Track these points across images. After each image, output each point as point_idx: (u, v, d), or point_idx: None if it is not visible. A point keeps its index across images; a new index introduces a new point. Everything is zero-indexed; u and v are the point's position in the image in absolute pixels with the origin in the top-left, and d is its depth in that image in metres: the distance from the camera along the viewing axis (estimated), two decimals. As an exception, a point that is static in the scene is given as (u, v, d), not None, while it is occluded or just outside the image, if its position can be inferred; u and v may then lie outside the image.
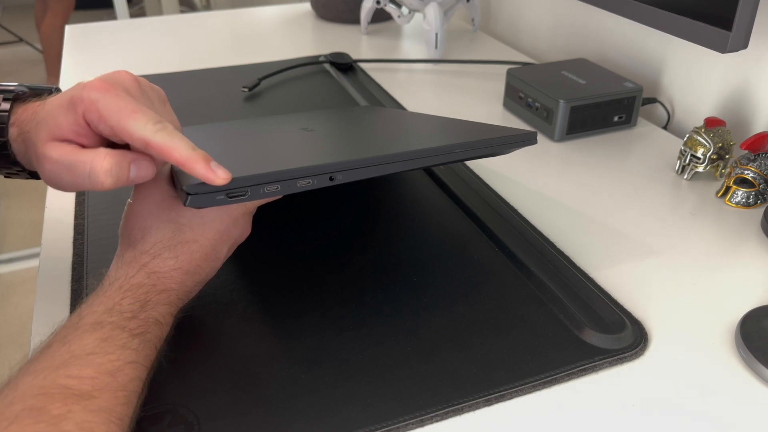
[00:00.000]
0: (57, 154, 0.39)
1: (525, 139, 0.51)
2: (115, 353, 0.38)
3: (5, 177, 0.46)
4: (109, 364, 0.37)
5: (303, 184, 0.43)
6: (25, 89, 0.44)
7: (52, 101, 0.41)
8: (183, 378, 0.44)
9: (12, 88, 0.44)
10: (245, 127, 0.66)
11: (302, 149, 0.52)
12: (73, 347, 0.37)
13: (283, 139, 0.58)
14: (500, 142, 0.50)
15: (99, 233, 0.59)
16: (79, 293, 0.52)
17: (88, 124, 0.39)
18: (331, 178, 0.44)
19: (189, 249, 0.45)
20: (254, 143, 0.54)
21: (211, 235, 0.46)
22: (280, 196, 0.44)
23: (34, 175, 0.47)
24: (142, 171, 0.40)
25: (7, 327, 1.66)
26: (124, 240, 0.45)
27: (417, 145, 0.49)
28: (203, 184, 0.40)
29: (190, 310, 0.47)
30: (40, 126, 0.40)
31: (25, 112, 0.43)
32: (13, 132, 0.43)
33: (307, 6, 1.35)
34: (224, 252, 0.48)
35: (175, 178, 0.45)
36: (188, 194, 0.40)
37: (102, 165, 0.39)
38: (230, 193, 0.41)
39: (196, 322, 0.48)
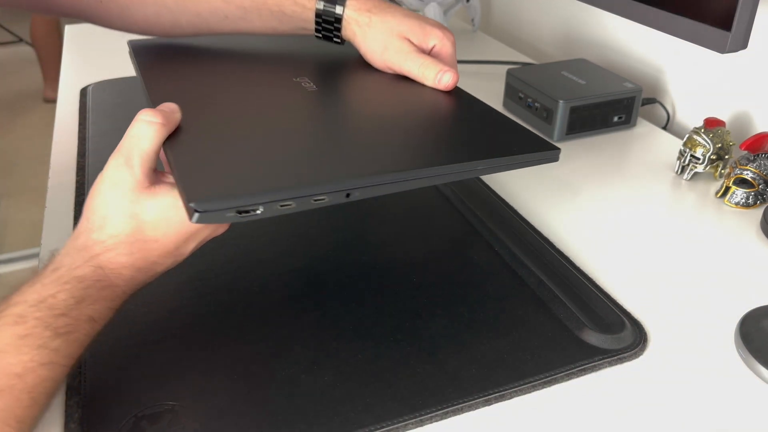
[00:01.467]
0: (407, 44, 0.59)
1: (548, 158, 0.50)
2: (29, 354, 0.36)
3: (316, 33, 0.62)
4: (19, 365, 0.36)
5: (318, 200, 0.41)
6: None
7: (402, 12, 0.61)
8: (183, 378, 0.44)
9: None
10: (228, 70, 0.61)
11: (307, 127, 0.48)
12: None
13: (279, 103, 0.54)
14: (523, 160, 0.49)
15: (99, 233, 0.59)
16: (79, 293, 0.52)
17: (429, 47, 0.60)
18: (347, 195, 0.42)
19: (147, 247, 0.42)
20: (243, 102, 0.50)
21: (175, 236, 0.43)
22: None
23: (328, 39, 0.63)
24: (445, 78, 0.58)
25: (7, 327, 1.66)
26: (84, 220, 0.43)
27: (437, 161, 0.47)
28: (213, 200, 0.38)
29: (189, 309, 0.47)
30: (395, 22, 0.60)
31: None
32: (354, 4, 0.60)
33: (307, 6, 1.34)
34: (190, 248, 0.45)
35: (180, 189, 0.41)
36: (196, 211, 0.38)
37: (429, 62, 0.58)
38: (241, 209, 0.39)
39: (195, 321, 0.49)
